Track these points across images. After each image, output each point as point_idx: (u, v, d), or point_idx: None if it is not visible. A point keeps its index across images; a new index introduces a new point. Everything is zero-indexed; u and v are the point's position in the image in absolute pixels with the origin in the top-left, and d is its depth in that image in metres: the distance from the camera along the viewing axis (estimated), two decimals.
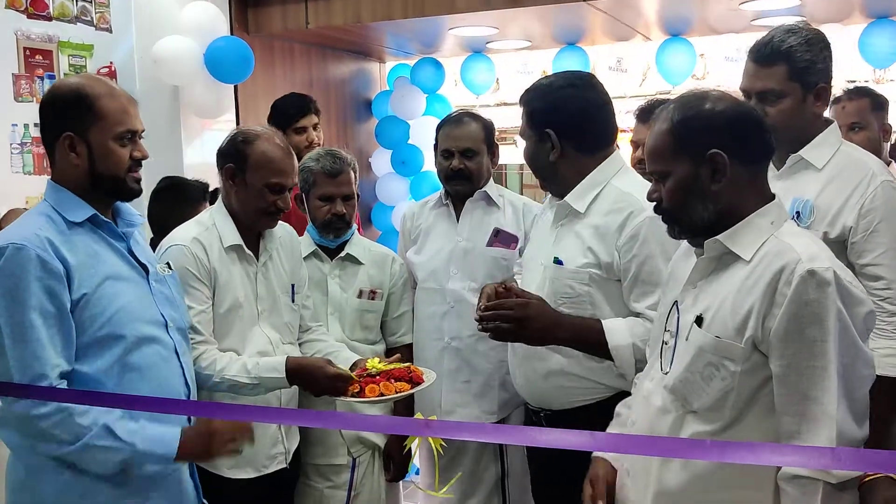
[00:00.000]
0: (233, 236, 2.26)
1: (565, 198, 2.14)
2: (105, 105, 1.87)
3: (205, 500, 2.07)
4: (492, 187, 2.76)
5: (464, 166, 2.68)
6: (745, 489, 1.58)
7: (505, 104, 5.29)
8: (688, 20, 4.38)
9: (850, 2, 4.09)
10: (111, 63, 3.69)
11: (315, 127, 3.52)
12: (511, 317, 2.01)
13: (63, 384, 1.77)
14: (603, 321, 2.05)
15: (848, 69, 4.68)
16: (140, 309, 1.89)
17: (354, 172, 2.63)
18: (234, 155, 2.26)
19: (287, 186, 2.28)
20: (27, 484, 1.84)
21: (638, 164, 2.92)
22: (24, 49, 3.31)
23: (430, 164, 5.10)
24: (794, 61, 2.07)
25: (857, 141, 3.02)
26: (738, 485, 1.58)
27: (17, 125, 3.26)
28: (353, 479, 2.60)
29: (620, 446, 1.47)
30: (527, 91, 2.19)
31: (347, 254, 2.65)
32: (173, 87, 3.77)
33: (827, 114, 3.34)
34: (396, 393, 2.05)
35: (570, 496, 2.10)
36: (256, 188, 2.23)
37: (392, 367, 2.16)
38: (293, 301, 2.39)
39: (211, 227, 2.27)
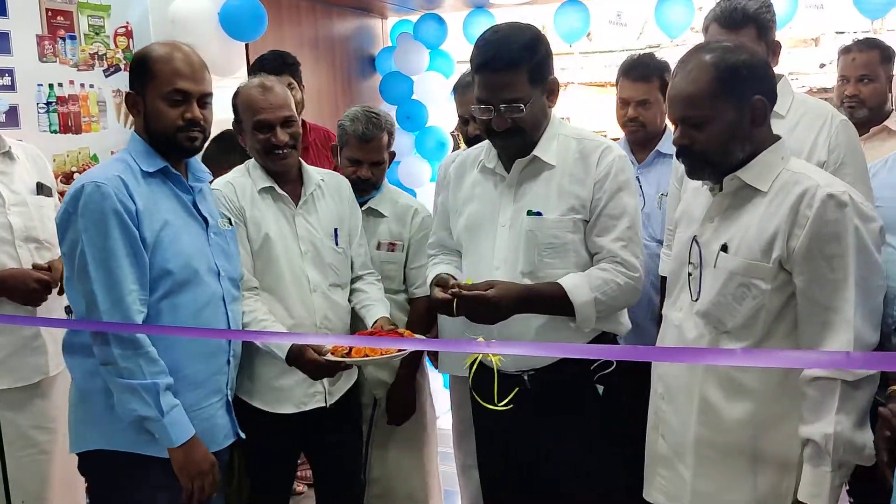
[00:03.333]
0: (262, 180, 2.40)
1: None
2: (159, 67, 2.03)
3: (242, 434, 2.22)
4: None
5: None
6: (776, 400, 1.74)
7: None
8: None
9: None
10: (128, 23, 3.78)
11: (288, 87, 3.29)
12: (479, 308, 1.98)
13: (143, 311, 1.96)
14: (561, 281, 2.05)
15: (842, 18, 4.85)
16: (194, 254, 2.06)
17: (390, 135, 2.69)
18: (234, 107, 2.44)
19: (272, 122, 2.35)
20: (78, 408, 2.07)
21: (631, 122, 2.93)
22: (46, 10, 3.39)
23: (434, 118, 5.22)
24: (761, 22, 2.23)
25: (867, 93, 3.21)
26: (769, 396, 1.74)
27: (42, 85, 3.36)
28: (373, 416, 2.75)
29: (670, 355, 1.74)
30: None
31: (369, 207, 2.73)
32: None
33: (835, 64, 3.46)
34: (381, 355, 2.15)
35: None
36: (249, 132, 2.38)
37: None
38: (336, 244, 2.49)
39: (245, 172, 2.44)
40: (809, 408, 1.67)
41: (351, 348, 2.16)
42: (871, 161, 2.27)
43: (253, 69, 3.60)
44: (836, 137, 2.19)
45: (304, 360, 2.21)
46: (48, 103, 3.39)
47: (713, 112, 1.75)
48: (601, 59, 7.49)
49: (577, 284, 2.04)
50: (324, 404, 2.45)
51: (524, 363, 2.13)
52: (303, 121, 3.44)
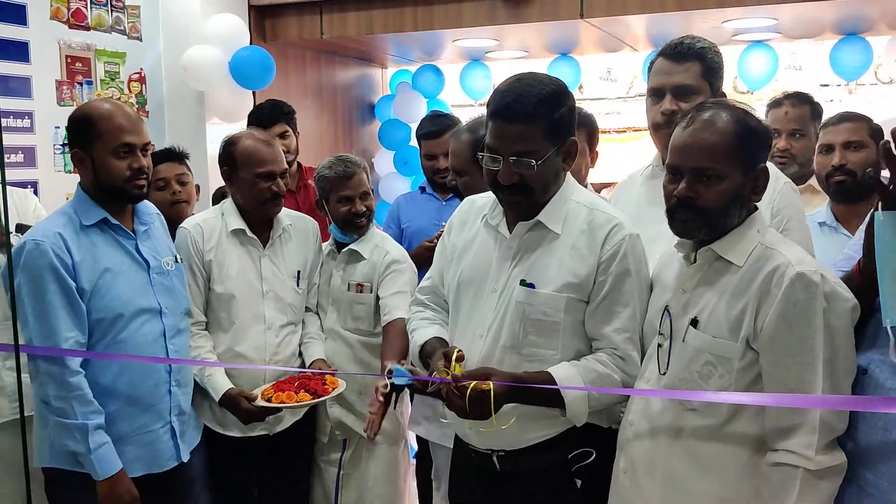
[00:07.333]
0: (235, 222, 2.58)
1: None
2: (103, 126, 2.21)
3: (183, 459, 2.35)
4: None
5: None
6: (741, 481, 1.67)
7: None
8: (672, 34, 4.62)
9: (822, 20, 4.43)
10: (141, 69, 3.98)
11: (284, 135, 3.48)
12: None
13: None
14: (553, 373, 1.86)
15: (821, 79, 5.09)
16: (134, 296, 2.25)
17: (366, 172, 2.78)
18: (224, 158, 2.61)
19: (276, 172, 2.57)
20: (37, 429, 2.24)
21: None
22: (66, 57, 3.58)
23: None
24: (706, 61, 2.17)
25: (798, 148, 3.11)
26: (736, 475, 1.68)
27: (59, 127, 3.53)
28: (341, 458, 2.79)
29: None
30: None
31: (351, 249, 2.76)
32: (199, 93, 4.05)
33: (766, 117, 3.19)
34: (297, 402, 2.37)
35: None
36: (249, 181, 2.55)
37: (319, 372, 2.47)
38: (297, 286, 2.67)
39: (219, 214, 2.61)
40: (771, 493, 1.61)
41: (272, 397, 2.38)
42: None
43: (249, 117, 3.67)
44: (781, 200, 2.11)
45: (237, 407, 2.40)
46: (63, 145, 3.56)
47: (729, 169, 1.67)
48: (593, 107, 7.77)
49: (570, 377, 1.85)
50: (267, 433, 2.58)
51: (495, 441, 1.96)
52: (299, 164, 3.69)
